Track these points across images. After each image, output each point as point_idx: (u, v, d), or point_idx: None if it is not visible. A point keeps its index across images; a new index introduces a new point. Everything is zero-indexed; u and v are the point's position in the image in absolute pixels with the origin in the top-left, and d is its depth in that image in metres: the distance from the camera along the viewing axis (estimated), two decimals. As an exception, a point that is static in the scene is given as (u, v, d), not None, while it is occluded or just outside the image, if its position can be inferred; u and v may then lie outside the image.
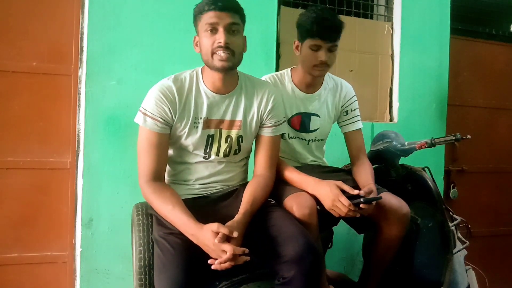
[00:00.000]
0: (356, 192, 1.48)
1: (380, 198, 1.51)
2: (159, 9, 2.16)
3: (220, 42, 1.37)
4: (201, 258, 1.30)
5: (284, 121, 1.63)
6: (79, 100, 2.11)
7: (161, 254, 1.32)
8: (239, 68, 1.53)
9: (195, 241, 1.31)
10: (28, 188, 2.08)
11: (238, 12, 1.43)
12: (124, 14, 2.11)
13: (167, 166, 1.54)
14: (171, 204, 1.36)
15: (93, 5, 2.07)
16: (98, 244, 2.07)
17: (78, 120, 2.11)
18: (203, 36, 1.41)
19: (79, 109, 2.11)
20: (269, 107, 1.54)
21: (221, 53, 1.38)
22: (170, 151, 1.53)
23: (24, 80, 2.06)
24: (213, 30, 1.39)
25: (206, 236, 1.28)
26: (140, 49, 2.13)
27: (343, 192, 1.50)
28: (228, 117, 1.50)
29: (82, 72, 2.09)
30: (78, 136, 2.11)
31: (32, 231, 2.09)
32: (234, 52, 1.40)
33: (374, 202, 1.50)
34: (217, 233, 1.27)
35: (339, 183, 1.51)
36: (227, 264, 1.25)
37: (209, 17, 1.38)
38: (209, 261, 1.27)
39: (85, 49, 2.08)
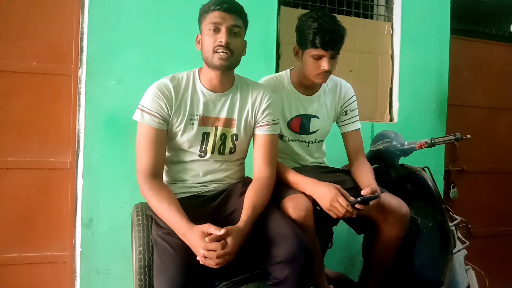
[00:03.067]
0: (352, 199, 1.48)
1: (378, 197, 1.51)
2: (159, 9, 2.16)
3: (221, 42, 1.42)
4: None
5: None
6: (79, 100, 2.11)
7: (161, 254, 1.32)
8: (238, 69, 1.54)
9: (185, 241, 1.31)
10: (28, 188, 2.08)
11: (242, 16, 1.48)
12: (124, 14, 2.11)
13: (165, 166, 1.55)
14: (166, 202, 1.38)
15: (93, 5, 2.07)
16: (98, 244, 2.07)
17: (78, 120, 2.11)
18: (206, 34, 1.45)
19: (79, 109, 2.11)
20: (263, 106, 1.57)
21: (221, 52, 1.42)
22: (167, 151, 1.54)
23: (24, 80, 2.06)
24: (216, 29, 1.43)
25: (195, 236, 1.28)
26: (140, 49, 2.13)
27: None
28: (223, 115, 1.53)
29: (82, 72, 2.09)
30: (78, 136, 2.11)
31: (32, 231, 2.09)
32: (233, 53, 1.45)
33: (371, 202, 1.49)
34: (208, 234, 1.28)
35: (337, 186, 1.51)
36: (211, 261, 1.25)
37: (213, 16, 1.43)
38: (197, 258, 1.28)
39: (85, 49, 2.08)
